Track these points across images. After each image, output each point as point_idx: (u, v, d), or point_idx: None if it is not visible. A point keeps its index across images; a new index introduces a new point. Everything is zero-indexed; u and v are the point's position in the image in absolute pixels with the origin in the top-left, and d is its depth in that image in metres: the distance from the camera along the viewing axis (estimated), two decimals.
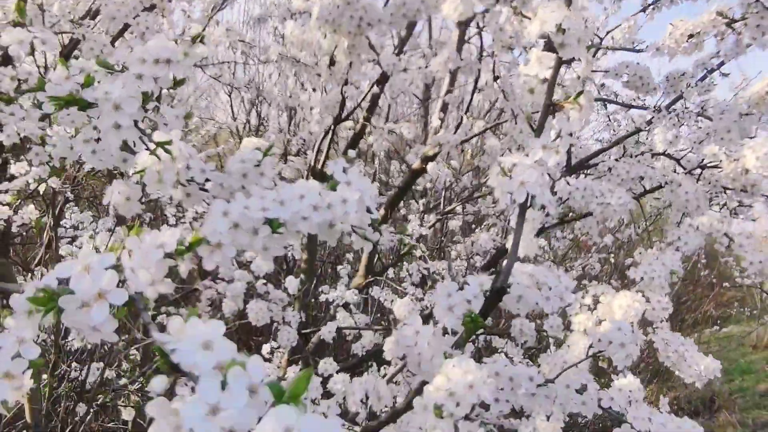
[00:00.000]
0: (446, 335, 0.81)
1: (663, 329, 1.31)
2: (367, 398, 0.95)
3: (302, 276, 2.07)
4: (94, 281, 0.44)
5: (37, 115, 0.94)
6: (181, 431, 0.31)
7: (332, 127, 1.99)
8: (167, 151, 0.71)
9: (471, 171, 2.83)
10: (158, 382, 0.37)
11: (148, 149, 0.70)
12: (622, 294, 1.23)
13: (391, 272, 2.68)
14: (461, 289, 0.77)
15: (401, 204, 3.06)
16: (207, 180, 0.77)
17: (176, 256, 0.56)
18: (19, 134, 1.08)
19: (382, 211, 2.59)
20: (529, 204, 0.77)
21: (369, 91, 1.93)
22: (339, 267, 3.03)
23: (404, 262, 2.64)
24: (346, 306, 2.40)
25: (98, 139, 0.76)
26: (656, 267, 1.29)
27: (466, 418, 0.65)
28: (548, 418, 1.16)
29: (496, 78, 1.93)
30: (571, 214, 1.65)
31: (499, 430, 0.85)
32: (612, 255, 5.39)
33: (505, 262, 0.75)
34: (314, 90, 1.94)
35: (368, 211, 0.72)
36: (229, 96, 4.73)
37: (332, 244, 0.72)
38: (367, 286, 2.53)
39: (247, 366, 0.36)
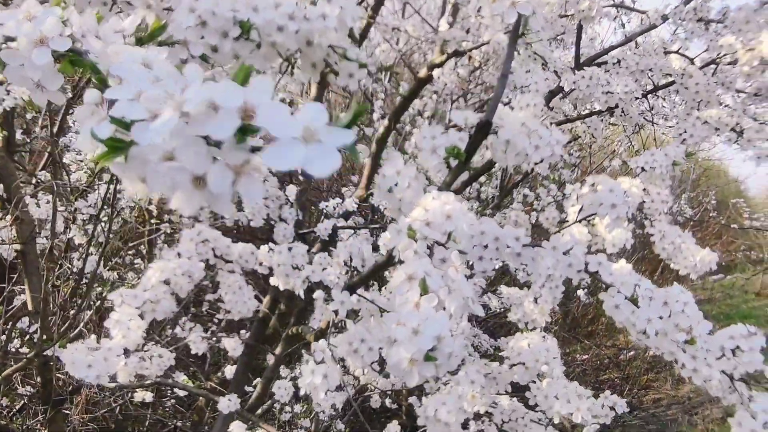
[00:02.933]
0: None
1: (661, 221, 1.28)
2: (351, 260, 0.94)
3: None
4: (36, 26, 0.41)
5: None
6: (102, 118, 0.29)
7: None
8: None
9: (480, 85, 2.75)
10: (90, 95, 0.34)
11: None
12: (621, 179, 1.19)
13: None
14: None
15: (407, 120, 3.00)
16: None
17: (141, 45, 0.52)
18: None
19: (385, 122, 2.54)
20: (521, 31, 0.72)
21: None
22: (344, 189, 3.00)
23: None
24: (346, 216, 2.39)
25: None
26: (658, 157, 1.25)
27: (442, 245, 0.63)
28: (536, 300, 1.15)
29: None
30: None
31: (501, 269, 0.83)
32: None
33: (491, 96, 0.71)
34: None
35: (351, 35, 0.69)
36: None
37: (317, 67, 0.68)
38: (369, 198, 2.51)
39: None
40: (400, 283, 0.57)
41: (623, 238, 1.21)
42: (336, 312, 0.87)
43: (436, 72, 2.29)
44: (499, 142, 0.73)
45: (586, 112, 1.58)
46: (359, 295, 0.90)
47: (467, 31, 2.07)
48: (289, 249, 1.11)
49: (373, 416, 3.15)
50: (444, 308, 0.56)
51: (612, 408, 1.16)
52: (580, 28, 1.56)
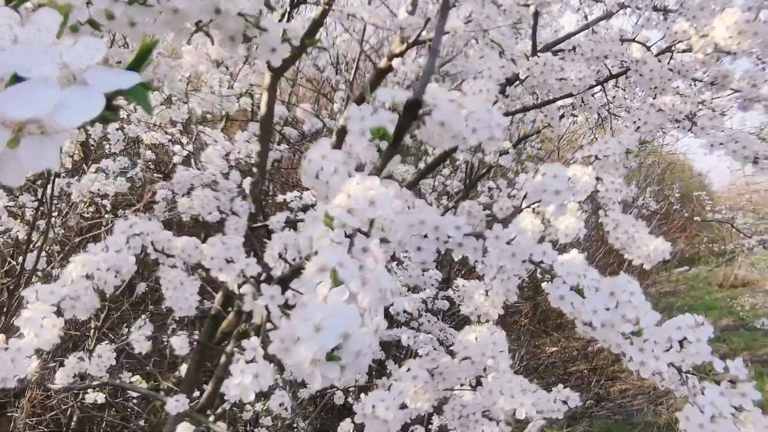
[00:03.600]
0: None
1: (615, 211, 1.26)
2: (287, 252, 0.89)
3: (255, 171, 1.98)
4: None
5: None
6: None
7: (288, 12, 1.85)
8: None
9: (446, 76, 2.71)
10: None
11: None
12: (573, 167, 1.16)
13: None
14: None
15: None
16: None
17: None
18: None
19: (346, 112, 2.48)
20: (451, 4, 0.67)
21: None
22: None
23: None
24: (306, 209, 2.33)
25: None
26: (611, 145, 1.22)
27: (364, 234, 0.58)
28: (487, 293, 1.11)
29: None
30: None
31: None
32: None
33: (421, 73, 0.66)
34: None
35: (267, 4, 0.63)
36: None
37: (236, 40, 0.62)
38: None
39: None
40: (311, 274, 0.52)
41: (576, 227, 1.18)
42: (267, 308, 0.82)
43: (396, 62, 2.24)
44: (432, 123, 0.68)
45: (543, 100, 1.55)
46: (293, 290, 0.85)
47: (428, 20, 2.03)
48: (223, 242, 1.05)
49: (335, 414, 3.10)
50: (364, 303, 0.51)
51: (565, 402, 1.13)
52: (536, 15, 1.53)
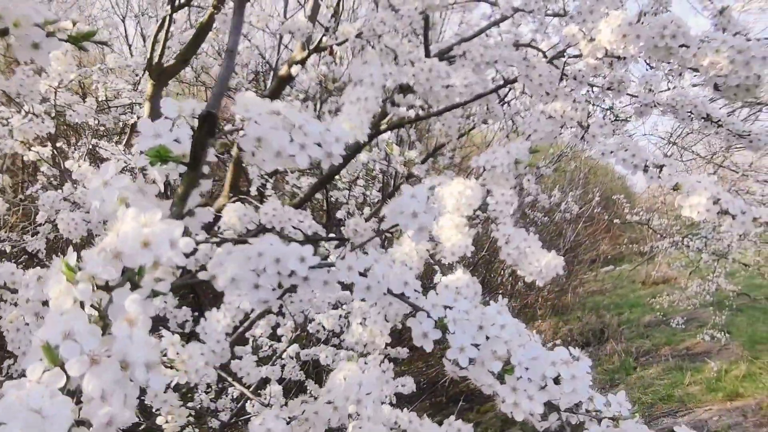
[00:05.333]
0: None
1: (506, 225, 1.18)
2: None
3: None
4: None
5: None
6: None
7: (169, 15, 1.69)
8: None
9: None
10: None
11: None
12: (455, 181, 1.07)
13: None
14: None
15: None
16: None
17: None
18: None
19: None
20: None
21: None
22: None
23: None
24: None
25: None
26: (499, 155, 1.14)
27: (135, 285, 0.45)
28: (364, 320, 1.00)
29: None
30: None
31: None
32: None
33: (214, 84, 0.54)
34: None
35: None
36: None
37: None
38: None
39: None
40: (33, 349, 0.39)
41: (462, 245, 1.09)
42: None
43: (295, 69, 2.12)
44: (248, 141, 0.56)
45: (440, 108, 1.47)
46: None
47: (327, 28, 1.92)
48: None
49: None
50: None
51: None
52: (426, 19, 1.45)
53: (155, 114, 1.73)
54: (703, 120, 1.64)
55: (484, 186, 1.22)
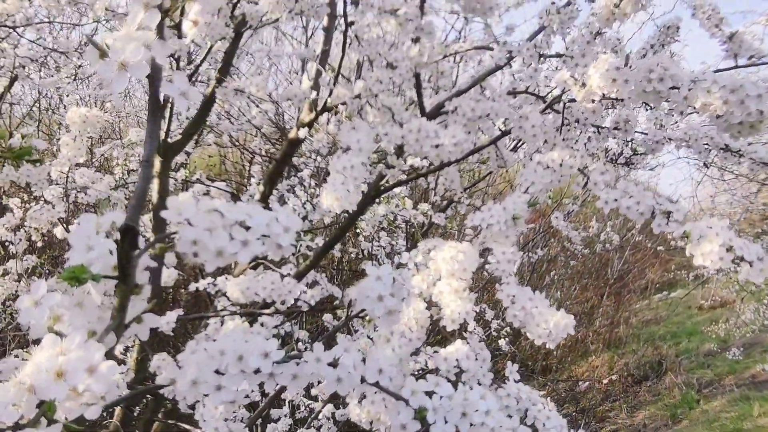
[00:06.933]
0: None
1: (510, 284, 1.12)
2: None
3: None
4: None
5: None
6: None
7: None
8: None
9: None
10: None
11: None
12: (447, 245, 1.02)
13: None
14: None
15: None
16: None
17: None
18: None
19: (261, 188, 2.35)
20: (164, 100, 0.54)
21: (211, 47, 1.67)
22: None
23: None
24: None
25: None
26: (495, 212, 1.09)
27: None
28: (361, 400, 0.95)
29: (349, 24, 1.70)
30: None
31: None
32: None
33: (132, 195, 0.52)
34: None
35: None
36: None
37: None
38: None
39: None
40: None
41: (463, 311, 1.04)
42: None
43: (303, 132, 2.13)
44: (184, 244, 0.54)
45: (436, 165, 1.44)
46: None
47: (331, 91, 1.94)
48: None
49: None
50: None
51: None
52: (417, 76, 1.43)
53: (164, 190, 1.75)
54: (722, 151, 1.56)
55: (484, 245, 1.17)
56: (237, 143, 3.86)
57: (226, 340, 0.66)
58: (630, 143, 2.30)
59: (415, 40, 1.35)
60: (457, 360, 0.96)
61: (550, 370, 7.26)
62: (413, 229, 2.98)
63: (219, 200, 0.57)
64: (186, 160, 3.02)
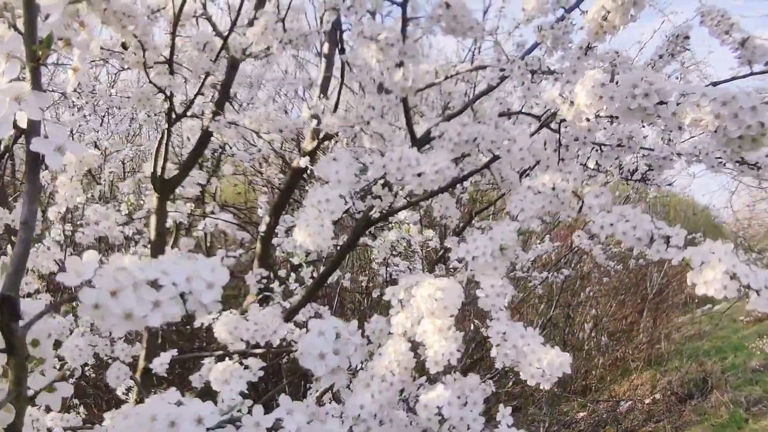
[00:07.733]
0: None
1: (500, 320, 1.04)
2: None
3: None
4: None
5: None
6: None
7: (167, 129, 1.72)
8: None
9: None
10: None
11: None
12: (426, 282, 0.96)
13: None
14: None
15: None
16: None
17: None
18: None
19: (267, 219, 2.33)
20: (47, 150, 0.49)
21: (204, 81, 1.66)
22: None
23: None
24: None
25: None
26: (481, 243, 1.02)
27: None
28: None
29: (341, 51, 1.67)
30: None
31: None
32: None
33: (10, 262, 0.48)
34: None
35: None
36: None
37: None
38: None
39: None
40: None
41: (447, 351, 0.97)
42: None
43: (304, 161, 2.10)
44: (85, 308, 0.49)
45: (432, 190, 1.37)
46: None
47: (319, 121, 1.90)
48: None
49: None
50: None
51: None
52: (404, 100, 1.38)
53: (161, 226, 1.73)
54: (737, 164, 1.46)
55: (473, 277, 1.10)
56: (257, 170, 3.88)
57: (158, 405, 0.61)
58: (645, 158, 2.19)
59: (399, 65, 1.30)
60: (438, 407, 0.88)
61: (589, 390, 7.02)
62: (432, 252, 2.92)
63: (131, 257, 0.53)
64: (200, 192, 3.03)
